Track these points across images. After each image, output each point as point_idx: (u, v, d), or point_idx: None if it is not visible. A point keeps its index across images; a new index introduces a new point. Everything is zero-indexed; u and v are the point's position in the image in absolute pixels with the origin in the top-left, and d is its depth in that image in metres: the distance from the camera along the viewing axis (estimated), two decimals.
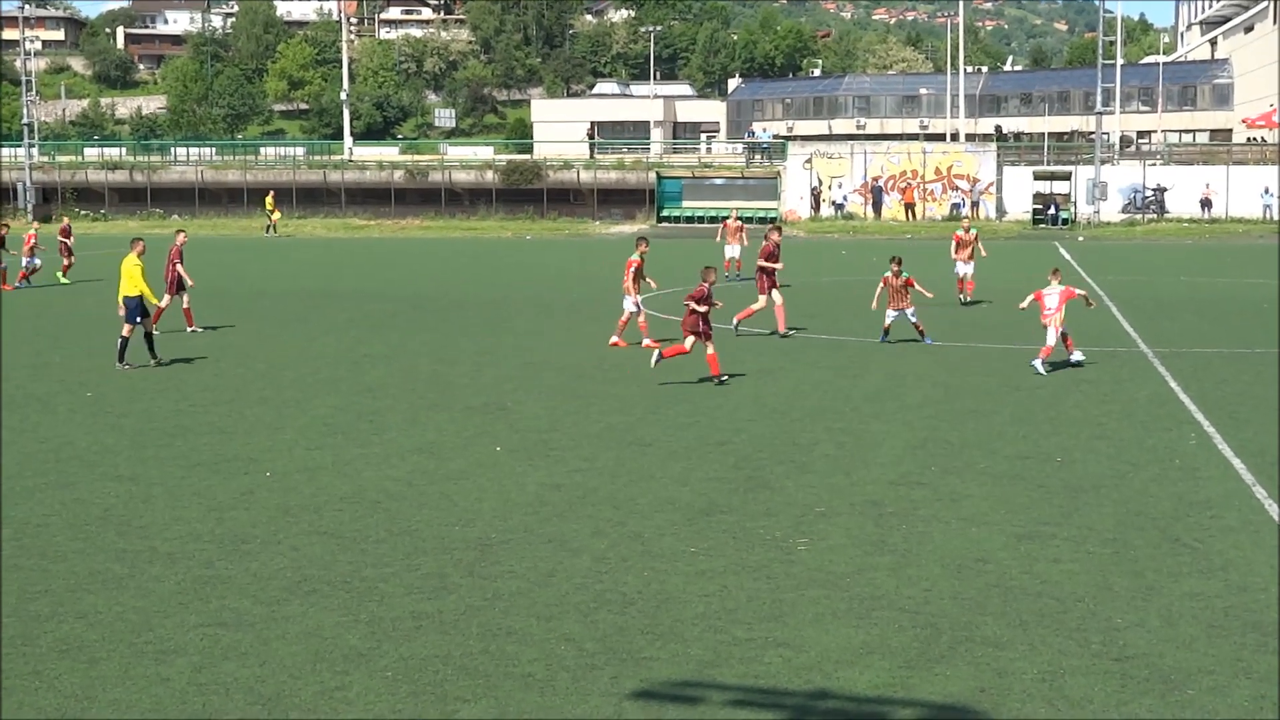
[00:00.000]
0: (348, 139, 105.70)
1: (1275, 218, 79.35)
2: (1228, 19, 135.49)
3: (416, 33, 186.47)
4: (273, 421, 19.12)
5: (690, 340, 22.27)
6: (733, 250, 43.59)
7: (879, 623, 10.59)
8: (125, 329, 24.47)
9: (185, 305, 30.13)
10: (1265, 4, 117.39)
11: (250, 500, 14.53)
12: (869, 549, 12.66)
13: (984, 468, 16.09)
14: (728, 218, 45.36)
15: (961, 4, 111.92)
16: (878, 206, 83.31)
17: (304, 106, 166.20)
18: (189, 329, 29.59)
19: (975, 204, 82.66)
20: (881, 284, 27.31)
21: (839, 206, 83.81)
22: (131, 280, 24.25)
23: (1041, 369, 23.65)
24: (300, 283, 43.88)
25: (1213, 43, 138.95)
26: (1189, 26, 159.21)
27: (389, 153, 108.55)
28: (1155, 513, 13.94)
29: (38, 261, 42.28)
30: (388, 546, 12.76)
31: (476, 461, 16.46)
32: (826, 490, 14.99)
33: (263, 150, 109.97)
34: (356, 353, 26.64)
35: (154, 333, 25.26)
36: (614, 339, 27.71)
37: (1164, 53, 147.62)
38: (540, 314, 33.67)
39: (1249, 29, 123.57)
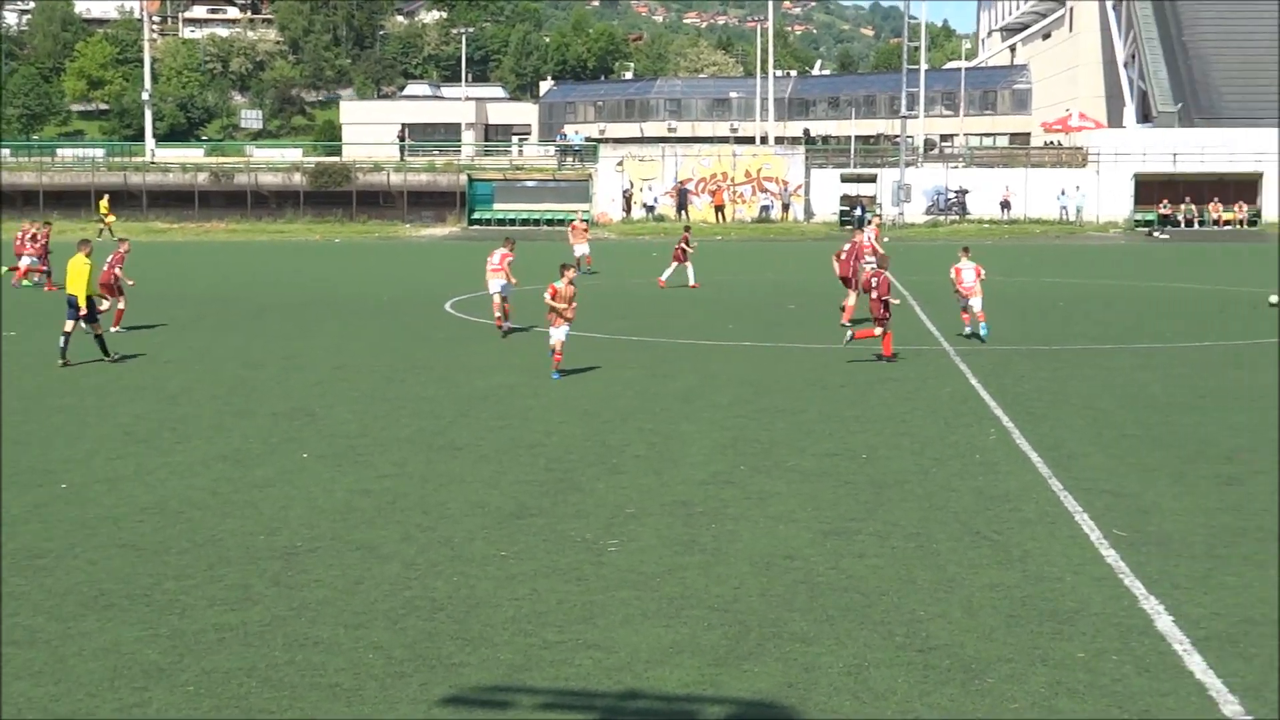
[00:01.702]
0: (150, 140, 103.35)
1: (1071, 218, 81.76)
2: (1026, 26, 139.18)
3: (222, 32, 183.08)
4: (72, 431, 18.60)
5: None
6: (582, 248, 46.40)
7: (689, 622, 10.64)
8: (67, 325, 24.96)
9: (120, 308, 30.41)
10: (1061, 12, 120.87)
11: (45, 513, 14.09)
12: (679, 549, 12.72)
13: (792, 465, 16.29)
14: (574, 220, 49.92)
15: (771, 9, 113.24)
16: (683, 208, 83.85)
17: (104, 107, 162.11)
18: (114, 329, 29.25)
19: (785, 206, 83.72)
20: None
21: (650, 209, 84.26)
22: (77, 279, 24.91)
23: (983, 332, 27.81)
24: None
25: (1012, 49, 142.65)
26: (990, 33, 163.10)
27: (193, 154, 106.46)
28: (957, 507, 14.24)
29: None
30: (191, 557, 12.48)
31: (283, 469, 16.19)
32: (637, 491, 15.04)
33: (60, 151, 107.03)
34: (159, 358, 26.04)
35: (103, 334, 25.70)
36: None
37: (966, 58, 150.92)
38: (349, 318, 33.29)
39: (1046, 36, 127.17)
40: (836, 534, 13.18)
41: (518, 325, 30.39)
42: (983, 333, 28.07)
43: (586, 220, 54.17)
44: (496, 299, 30.31)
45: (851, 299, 30.89)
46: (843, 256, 32.10)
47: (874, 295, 25.17)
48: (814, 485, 15.27)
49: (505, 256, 30.45)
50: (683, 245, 42.00)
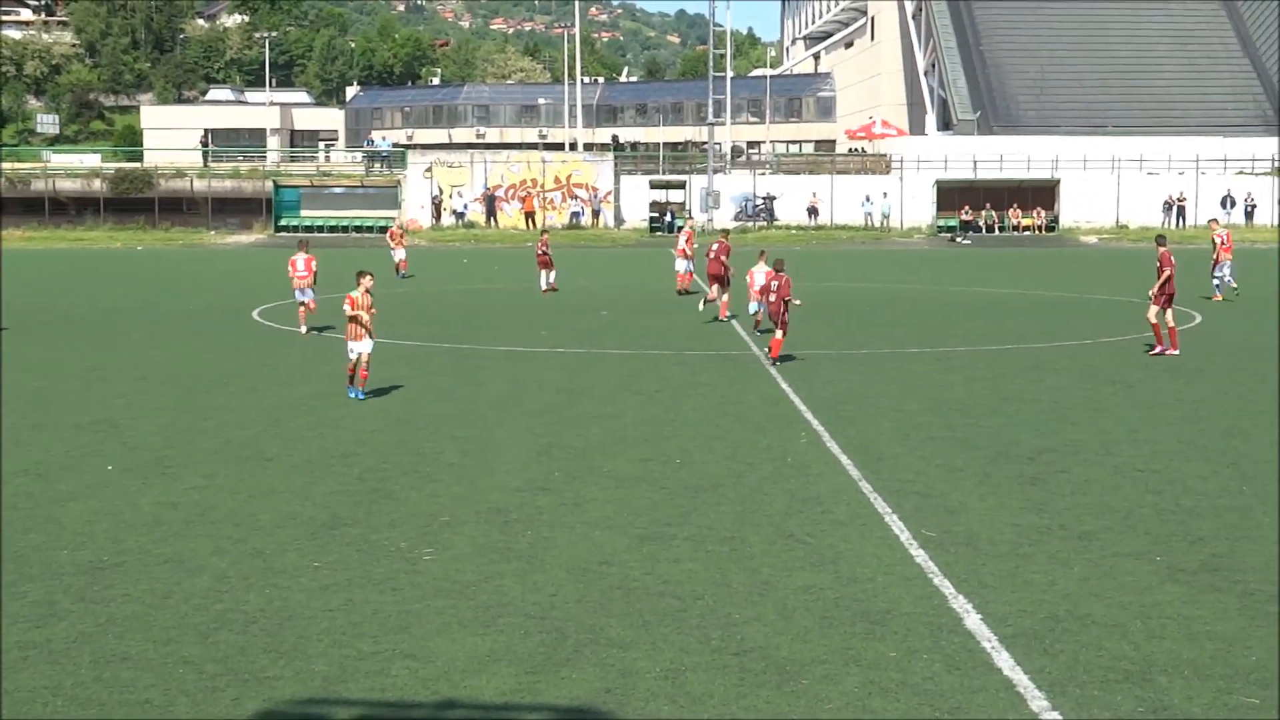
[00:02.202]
0: None
1: (877, 224, 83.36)
2: (830, 34, 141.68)
3: (15, 34, 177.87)
4: None
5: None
6: (399, 254, 49.46)
7: (505, 629, 10.61)
8: None
9: None
10: (863, 21, 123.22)
11: None
12: (494, 556, 12.67)
13: (607, 471, 16.33)
14: (391, 226, 55.39)
15: (578, 15, 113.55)
16: (491, 215, 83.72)
17: None
18: None
19: (596, 213, 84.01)
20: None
21: (460, 215, 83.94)
22: None
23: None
24: None
25: (816, 57, 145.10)
26: (794, 41, 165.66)
27: None
28: (770, 510, 14.40)
29: None
30: None
31: (87, 482, 15.78)
32: (451, 499, 14.95)
33: None
34: None
35: None
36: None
37: (771, 66, 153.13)
38: (153, 327, 32.59)
39: (849, 44, 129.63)
40: (652, 539, 13.25)
41: (317, 325, 31.31)
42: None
43: (402, 228, 57.57)
44: (303, 308, 31.34)
45: (724, 295, 33.56)
46: (712, 255, 34.16)
47: (773, 297, 25.71)
48: (629, 490, 15.33)
49: (310, 260, 31.39)
50: (544, 249, 43.19)
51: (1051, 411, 20.47)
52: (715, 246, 34.33)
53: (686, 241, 41.76)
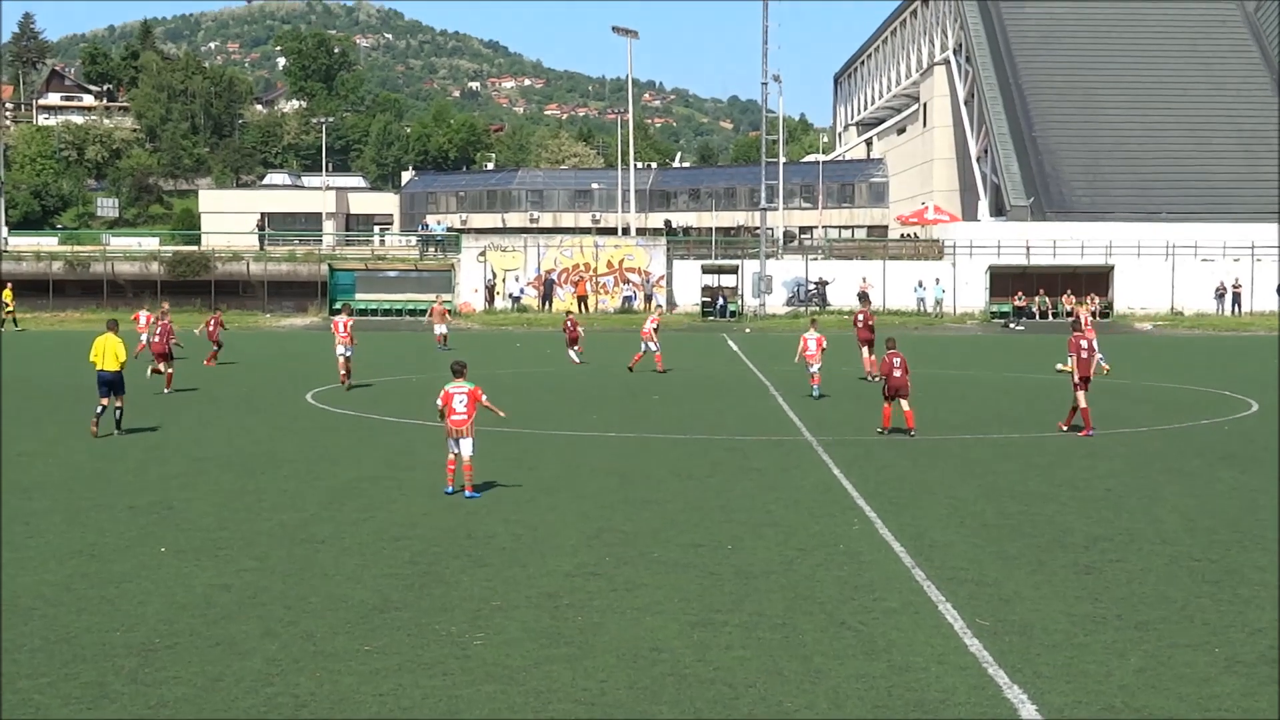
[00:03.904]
0: (3, 228, 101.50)
1: (929, 310, 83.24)
2: (882, 121, 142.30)
3: (78, 119, 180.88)
4: None
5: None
6: (440, 329, 54.52)
7: (556, 717, 10.56)
8: (103, 400, 27.64)
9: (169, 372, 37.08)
10: (915, 108, 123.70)
11: None
12: (545, 642, 12.63)
13: (658, 556, 16.28)
14: (434, 304, 58.78)
15: (631, 101, 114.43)
16: (548, 299, 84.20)
17: None
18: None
19: (648, 297, 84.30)
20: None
21: (515, 299, 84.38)
22: (114, 356, 27.64)
23: (815, 393, 34.77)
24: None
25: (869, 143, 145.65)
26: (846, 127, 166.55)
27: (48, 242, 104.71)
28: (822, 597, 14.31)
29: None
30: (44, 655, 12.15)
31: (140, 563, 15.86)
32: (502, 583, 14.93)
33: None
34: (11, 450, 25.44)
35: (121, 408, 27.98)
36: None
37: (824, 152, 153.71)
38: (209, 408, 32.80)
39: (901, 131, 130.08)
40: (703, 625, 13.18)
41: (358, 383, 37.17)
42: (815, 393, 34.87)
43: (447, 305, 62.00)
44: (342, 361, 37.87)
45: (870, 355, 37.86)
46: (860, 324, 40.78)
47: (898, 373, 27.54)
48: (680, 576, 15.27)
49: (348, 323, 38.22)
50: (572, 327, 48.87)
51: (1106, 499, 20.30)
52: (861, 316, 41.01)
53: (653, 324, 45.30)
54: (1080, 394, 28.06)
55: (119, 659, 12.05)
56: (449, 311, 59.96)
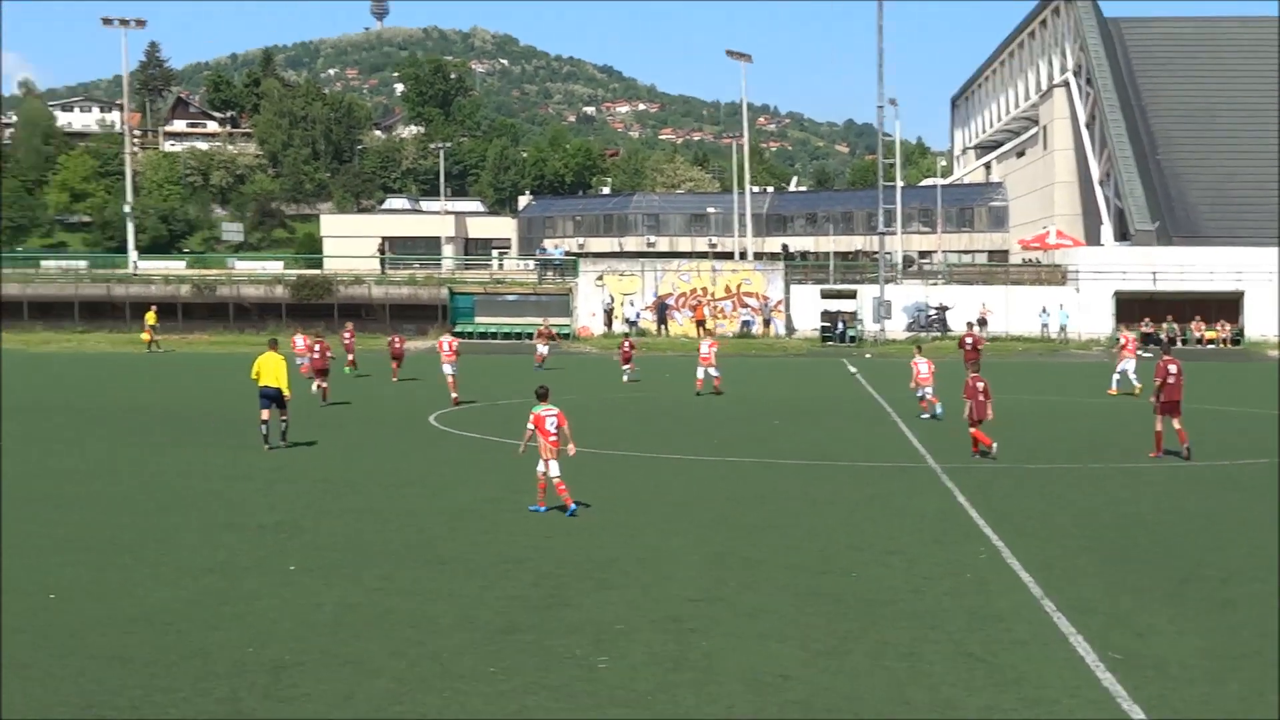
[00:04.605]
0: (132, 252, 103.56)
1: (1054, 335, 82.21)
2: (1000, 144, 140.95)
3: (202, 146, 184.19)
4: (58, 540, 18.45)
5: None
6: (543, 349, 59.21)
7: None
8: (264, 414, 28.98)
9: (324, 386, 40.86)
10: (1035, 130, 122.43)
11: (33, 622, 13.95)
12: (669, 666, 12.61)
13: (782, 582, 16.19)
14: (540, 327, 63.03)
15: (746, 125, 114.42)
16: (663, 323, 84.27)
17: (87, 219, 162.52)
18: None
19: (766, 321, 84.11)
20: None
21: (632, 323, 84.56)
22: (273, 374, 28.88)
23: (939, 411, 36.02)
24: (86, 398, 42.71)
25: (987, 167, 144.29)
26: (964, 150, 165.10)
27: (175, 266, 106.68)
28: (949, 626, 14.14)
29: None
30: (179, 670, 12.34)
31: (271, 581, 16.06)
32: (626, 606, 14.93)
33: (44, 263, 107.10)
34: (146, 469, 25.92)
35: (286, 420, 29.59)
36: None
37: (942, 175, 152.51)
38: (334, 430, 33.16)
39: (1021, 154, 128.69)
40: (828, 653, 13.08)
41: (466, 399, 39.95)
42: (939, 412, 36.09)
43: (554, 328, 66.71)
44: (450, 379, 41.53)
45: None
46: (966, 347, 42.66)
47: (982, 397, 28.23)
48: (804, 602, 15.18)
49: (453, 343, 43.07)
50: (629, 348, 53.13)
51: (1241, 531, 19.88)
52: (970, 340, 43.00)
53: (711, 348, 45.80)
54: (1159, 418, 28.66)
55: (251, 675, 12.20)
56: (555, 334, 63.88)
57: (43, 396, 43.36)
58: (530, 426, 20.93)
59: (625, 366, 51.57)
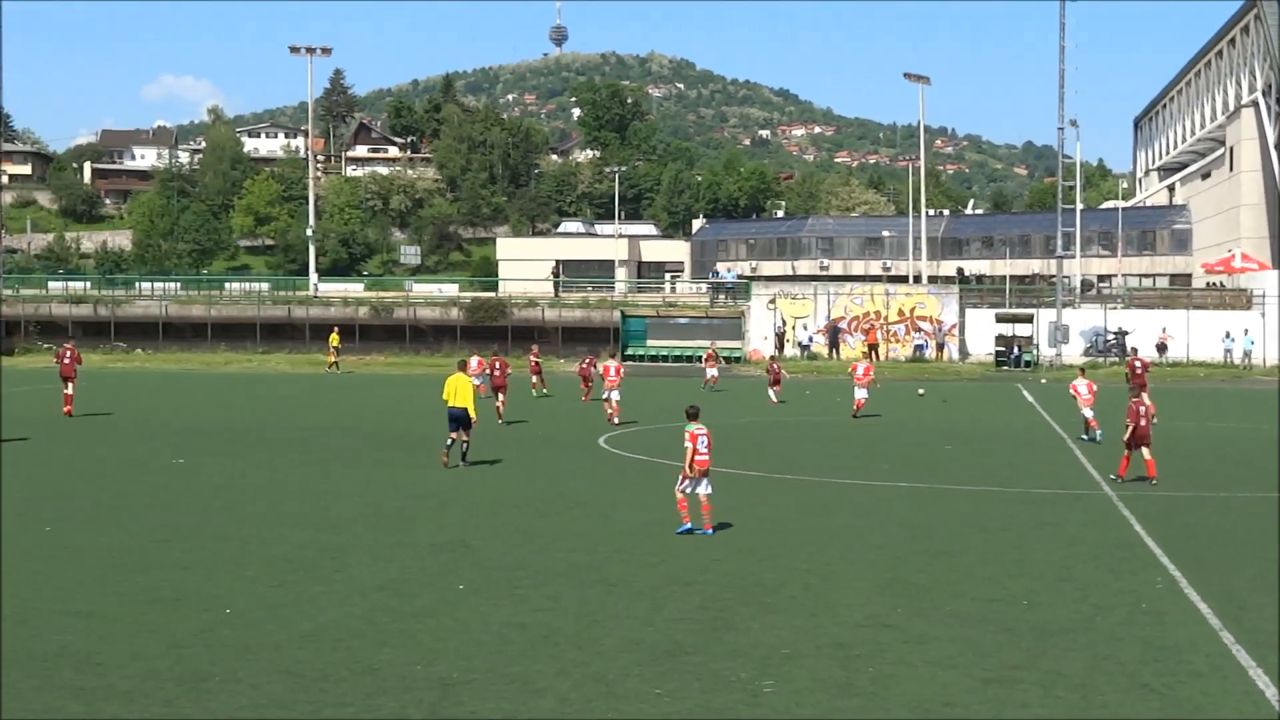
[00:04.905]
0: (313, 275, 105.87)
1: (1237, 361, 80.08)
2: (1184, 165, 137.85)
3: (383, 170, 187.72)
4: (234, 557, 18.91)
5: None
6: (711, 371, 60.65)
7: None
8: (452, 434, 29.94)
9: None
10: (1221, 151, 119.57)
11: (210, 637, 14.31)
12: (835, 692, 12.51)
13: (951, 610, 15.99)
14: (709, 350, 65.03)
15: (923, 148, 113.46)
16: (835, 346, 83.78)
17: (270, 242, 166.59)
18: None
19: (940, 346, 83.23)
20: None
21: (804, 347, 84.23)
22: (464, 395, 29.73)
23: (1098, 437, 36.24)
24: (264, 417, 43.72)
25: (1170, 189, 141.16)
26: (1147, 173, 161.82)
27: (354, 289, 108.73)
28: (1123, 657, 13.84)
29: None
30: (349, 686, 12.55)
31: (440, 599, 16.27)
32: (792, 631, 14.86)
33: (228, 285, 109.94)
34: (320, 488, 26.46)
35: (468, 442, 30.35)
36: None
37: (1123, 198, 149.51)
38: (505, 450, 33.49)
39: (1206, 175, 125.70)
40: (998, 682, 12.88)
41: (626, 421, 40.70)
42: (1098, 436, 36.28)
43: (720, 351, 68.53)
44: (612, 403, 41.99)
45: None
46: (1135, 371, 44.28)
47: (1144, 421, 27.86)
48: (974, 630, 14.97)
49: (619, 368, 43.34)
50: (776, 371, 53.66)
51: None
52: (1139, 363, 43.79)
53: (865, 373, 45.97)
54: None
55: (419, 692, 12.36)
56: (725, 357, 64.71)
57: (229, 415, 44.47)
58: (688, 445, 21.05)
59: (773, 389, 52.09)
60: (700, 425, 21.25)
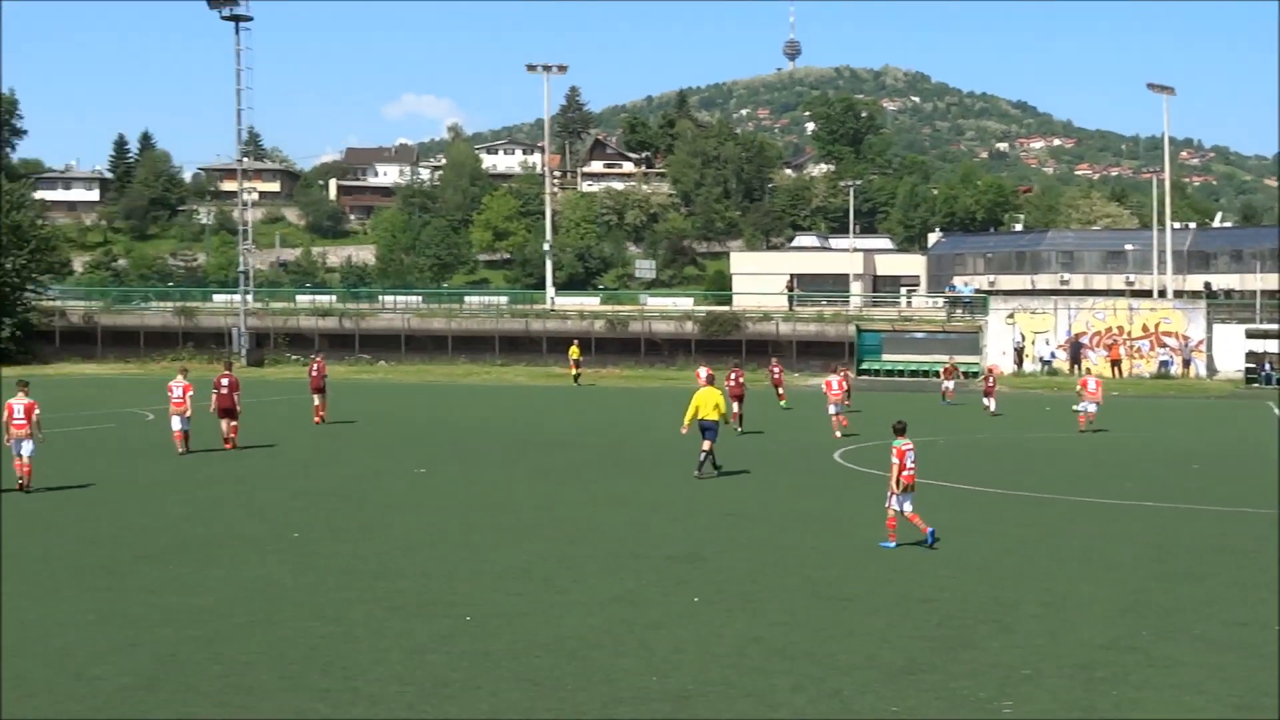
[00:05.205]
0: (550, 289, 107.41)
1: None
2: None
3: (618, 185, 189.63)
4: (474, 565, 19.29)
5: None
6: (949, 384, 60.82)
7: None
8: (705, 445, 30.38)
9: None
10: None
11: (450, 644, 14.63)
12: (1077, 714, 12.27)
13: (1198, 633, 15.53)
14: (946, 365, 65.45)
15: (1167, 160, 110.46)
16: (1076, 361, 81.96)
17: (508, 256, 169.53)
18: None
19: (1186, 362, 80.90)
20: None
21: (1045, 362, 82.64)
22: (715, 407, 30.38)
23: None
24: (502, 428, 44.48)
25: None
26: None
27: (590, 302, 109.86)
28: None
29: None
30: (585, 695, 12.71)
31: (675, 611, 16.37)
32: (1032, 651, 14.60)
33: (467, 299, 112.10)
34: (558, 499, 26.83)
35: (713, 452, 30.80)
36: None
37: None
38: (740, 463, 33.51)
39: None
40: (1248, 708, 12.50)
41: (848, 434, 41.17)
42: None
43: (958, 366, 67.92)
44: (837, 418, 42.29)
45: None
46: None
47: None
48: (1223, 656, 14.51)
49: (841, 381, 43.42)
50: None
51: None
52: None
53: (1096, 388, 45.68)
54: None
55: (655, 703, 12.46)
56: (962, 372, 65.43)
57: (469, 426, 45.38)
58: (895, 460, 21.25)
59: (987, 400, 53.00)
60: (907, 440, 21.50)
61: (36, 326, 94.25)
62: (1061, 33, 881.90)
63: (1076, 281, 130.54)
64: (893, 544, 21.17)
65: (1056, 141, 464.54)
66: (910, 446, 21.35)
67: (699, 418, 30.69)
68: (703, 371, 41.29)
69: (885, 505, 21.64)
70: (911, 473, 21.27)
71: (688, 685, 13.08)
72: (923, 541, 21.20)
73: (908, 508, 21.36)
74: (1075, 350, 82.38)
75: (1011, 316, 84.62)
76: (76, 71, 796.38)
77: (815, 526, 23.56)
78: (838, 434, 41.32)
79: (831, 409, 42.77)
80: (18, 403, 27.68)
